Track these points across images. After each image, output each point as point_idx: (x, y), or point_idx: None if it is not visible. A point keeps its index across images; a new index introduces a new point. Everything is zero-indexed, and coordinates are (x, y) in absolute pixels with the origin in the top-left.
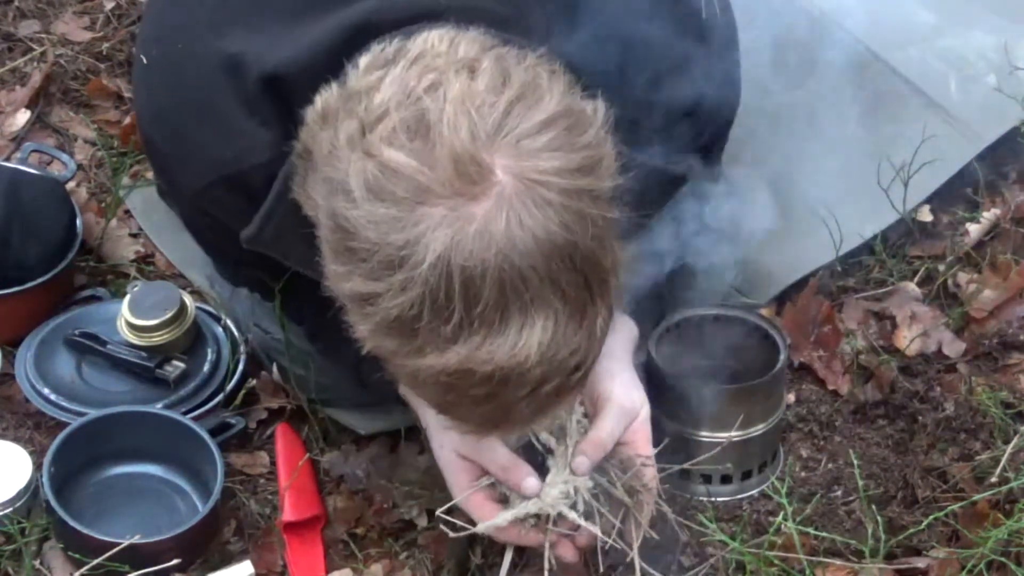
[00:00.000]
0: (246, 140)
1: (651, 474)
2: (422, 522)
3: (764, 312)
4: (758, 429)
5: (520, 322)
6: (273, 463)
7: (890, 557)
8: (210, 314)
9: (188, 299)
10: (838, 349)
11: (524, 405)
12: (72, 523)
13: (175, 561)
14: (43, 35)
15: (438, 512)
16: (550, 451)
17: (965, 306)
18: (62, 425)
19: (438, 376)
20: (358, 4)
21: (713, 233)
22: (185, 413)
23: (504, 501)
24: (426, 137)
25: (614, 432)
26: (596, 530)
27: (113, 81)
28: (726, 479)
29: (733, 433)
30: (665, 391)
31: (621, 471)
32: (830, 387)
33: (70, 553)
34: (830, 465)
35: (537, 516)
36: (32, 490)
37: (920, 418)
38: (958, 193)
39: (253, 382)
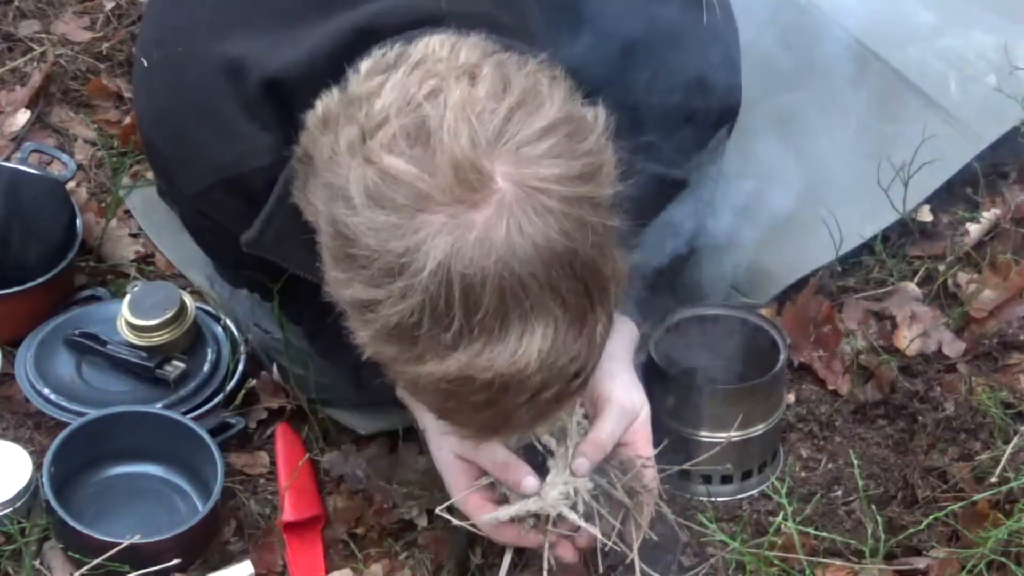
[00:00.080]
0: (246, 143)
1: (651, 475)
2: (422, 522)
3: (764, 312)
4: (758, 429)
5: (520, 329)
6: (273, 463)
7: (890, 557)
8: (210, 314)
9: (188, 299)
10: (838, 349)
11: (524, 411)
12: (72, 523)
13: (175, 561)
14: (43, 35)
15: (438, 509)
16: (550, 452)
17: (965, 306)
18: (62, 425)
19: (438, 383)
20: (360, 8)
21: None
22: (185, 413)
23: (503, 502)
24: (426, 144)
25: (614, 433)
26: (596, 531)
27: (113, 81)
28: (726, 479)
29: (733, 433)
30: (665, 391)
31: (621, 472)
32: (830, 387)
33: (70, 553)
34: (830, 465)
35: (537, 517)
36: (32, 490)
37: (920, 418)
38: (958, 193)
39: (253, 382)
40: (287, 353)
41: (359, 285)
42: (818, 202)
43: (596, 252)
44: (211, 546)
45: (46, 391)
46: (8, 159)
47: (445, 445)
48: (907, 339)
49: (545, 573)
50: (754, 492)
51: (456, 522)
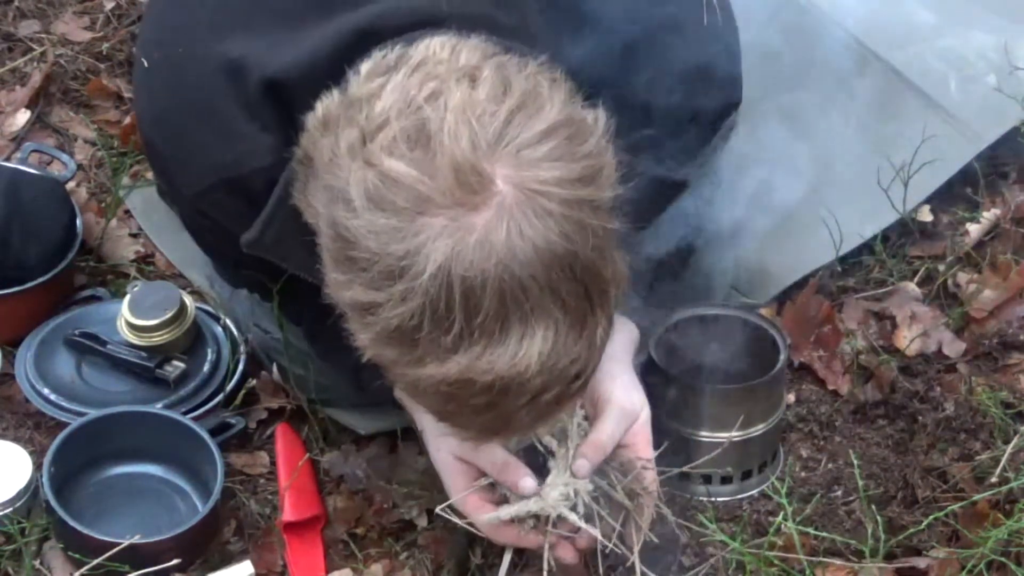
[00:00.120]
0: (247, 144)
1: (651, 477)
2: (422, 522)
3: (764, 312)
4: (758, 429)
5: (520, 332)
6: (273, 463)
7: (890, 557)
8: (210, 314)
9: (188, 299)
10: (838, 349)
11: (524, 413)
12: (72, 523)
13: (175, 561)
14: (43, 35)
15: (438, 508)
16: (551, 453)
17: (965, 306)
18: (62, 425)
19: (438, 385)
20: (360, 9)
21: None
22: (185, 413)
23: (503, 503)
24: (427, 147)
25: (614, 435)
26: (596, 532)
27: (113, 81)
28: (726, 479)
29: (734, 433)
30: (665, 391)
31: (621, 474)
32: (830, 387)
33: (70, 553)
34: (830, 465)
35: (537, 517)
36: (32, 490)
37: (920, 418)
38: (958, 193)
39: (253, 382)
40: (287, 353)
41: (359, 288)
42: (818, 202)
43: (596, 255)
44: (211, 546)
45: (46, 391)
46: (8, 159)
47: (444, 446)
48: (907, 339)
49: (545, 574)
50: (754, 492)
51: (458, 522)
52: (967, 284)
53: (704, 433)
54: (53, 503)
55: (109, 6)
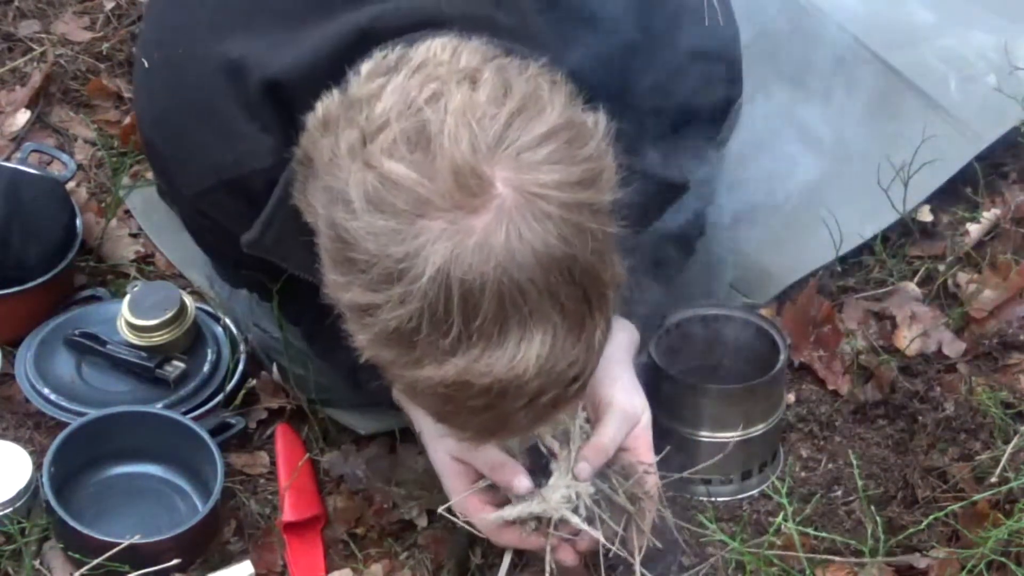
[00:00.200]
0: (247, 144)
1: (652, 482)
2: (422, 522)
3: (764, 312)
4: (758, 429)
5: (519, 335)
6: (273, 463)
7: (890, 557)
8: (210, 314)
9: (188, 299)
10: (838, 349)
11: (522, 415)
12: (72, 523)
13: (175, 561)
14: (43, 35)
15: (440, 509)
16: (554, 455)
17: (965, 306)
18: (62, 425)
19: (436, 387)
20: (361, 10)
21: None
22: (185, 413)
23: (503, 504)
24: (427, 149)
25: (616, 438)
26: (599, 535)
27: (113, 81)
28: (726, 479)
29: (736, 435)
30: (665, 391)
31: (623, 477)
32: (830, 387)
33: (70, 553)
34: (830, 465)
35: (539, 519)
36: (32, 490)
37: (920, 418)
38: (958, 193)
39: (253, 382)
40: (287, 353)
41: (358, 289)
42: (818, 202)
43: (595, 258)
44: (211, 546)
45: (46, 391)
46: (8, 159)
47: (441, 447)
48: (907, 339)
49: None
50: (754, 492)
51: (459, 522)
52: (967, 284)
53: (704, 433)
54: (53, 503)
55: (109, 6)
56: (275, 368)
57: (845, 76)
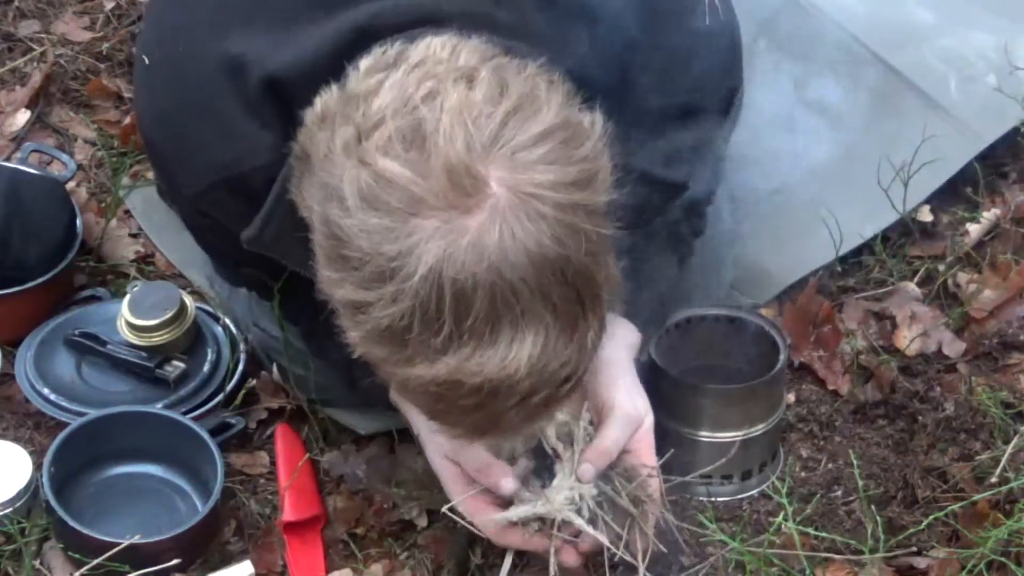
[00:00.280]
0: (247, 142)
1: (655, 485)
2: (422, 522)
3: (764, 312)
4: (758, 429)
5: (510, 335)
6: (273, 463)
7: (890, 557)
8: (210, 314)
9: (188, 299)
10: (838, 349)
11: (513, 414)
12: (72, 523)
13: (175, 561)
14: (43, 35)
15: (444, 508)
16: (558, 456)
17: (965, 306)
18: (62, 425)
19: (427, 386)
20: (361, 7)
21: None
22: (185, 413)
23: (504, 505)
24: (421, 147)
25: (619, 441)
26: (602, 537)
27: (113, 81)
28: (726, 479)
29: (736, 434)
30: (665, 391)
31: (625, 480)
32: (830, 387)
33: (70, 553)
34: (830, 465)
35: (542, 520)
36: (32, 490)
37: (920, 418)
38: (958, 193)
39: (253, 382)
40: (287, 353)
41: (350, 286)
42: (818, 202)
43: (589, 259)
44: (211, 546)
45: (46, 391)
46: (8, 159)
47: (435, 447)
48: (907, 339)
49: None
50: (754, 492)
51: (462, 522)
52: (967, 284)
53: (704, 433)
54: (53, 503)
55: (109, 6)
56: (275, 368)
57: (844, 76)
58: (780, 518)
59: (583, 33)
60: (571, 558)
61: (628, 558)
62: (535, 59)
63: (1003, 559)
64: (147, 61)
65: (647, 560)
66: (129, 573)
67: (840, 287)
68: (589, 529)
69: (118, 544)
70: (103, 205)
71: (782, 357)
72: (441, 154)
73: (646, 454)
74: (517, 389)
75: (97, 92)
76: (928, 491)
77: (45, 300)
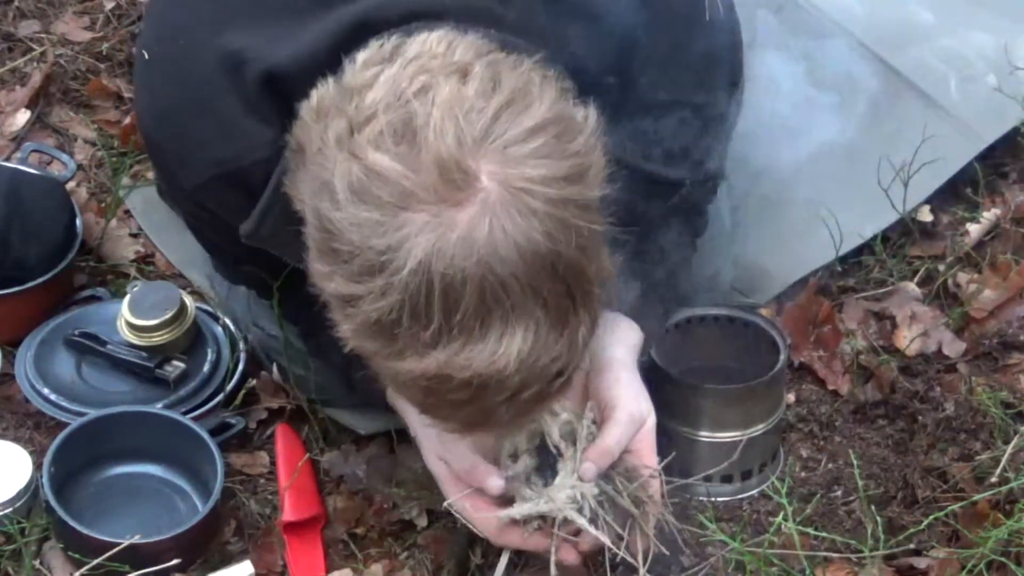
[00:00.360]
0: (246, 138)
1: (656, 486)
2: (422, 522)
3: (764, 312)
4: (758, 429)
5: (500, 330)
6: (273, 463)
7: (890, 557)
8: (210, 314)
9: (188, 299)
10: (838, 349)
11: (504, 410)
12: (72, 523)
13: (175, 561)
14: (43, 35)
15: (445, 503)
16: (561, 454)
17: (965, 306)
18: (62, 425)
19: (417, 380)
20: (359, 1)
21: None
22: (185, 413)
23: (504, 505)
24: (412, 141)
25: (621, 441)
26: (603, 536)
27: (113, 81)
28: (726, 479)
29: (736, 434)
30: (666, 391)
31: (627, 480)
32: (830, 387)
33: (70, 553)
34: (830, 465)
35: (543, 518)
36: (32, 490)
37: (920, 418)
38: (958, 193)
39: (253, 382)
40: (287, 353)
41: (340, 279)
42: (818, 202)
43: (580, 254)
44: (211, 546)
45: (46, 391)
46: (8, 159)
47: (430, 447)
48: (907, 339)
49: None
50: (754, 492)
51: (462, 519)
52: (967, 284)
53: (704, 433)
54: (53, 503)
55: (109, 6)
56: (275, 368)
57: (845, 76)
58: (780, 518)
59: (583, 30)
60: (571, 557)
61: (628, 558)
62: (532, 54)
63: (1003, 559)
64: (147, 59)
65: (647, 560)
66: (129, 573)
67: (840, 287)
68: (590, 528)
69: (118, 544)
70: (103, 205)
71: (782, 357)
72: (431, 148)
73: (647, 454)
74: (507, 384)
75: (97, 92)
76: (928, 491)
77: (45, 300)
